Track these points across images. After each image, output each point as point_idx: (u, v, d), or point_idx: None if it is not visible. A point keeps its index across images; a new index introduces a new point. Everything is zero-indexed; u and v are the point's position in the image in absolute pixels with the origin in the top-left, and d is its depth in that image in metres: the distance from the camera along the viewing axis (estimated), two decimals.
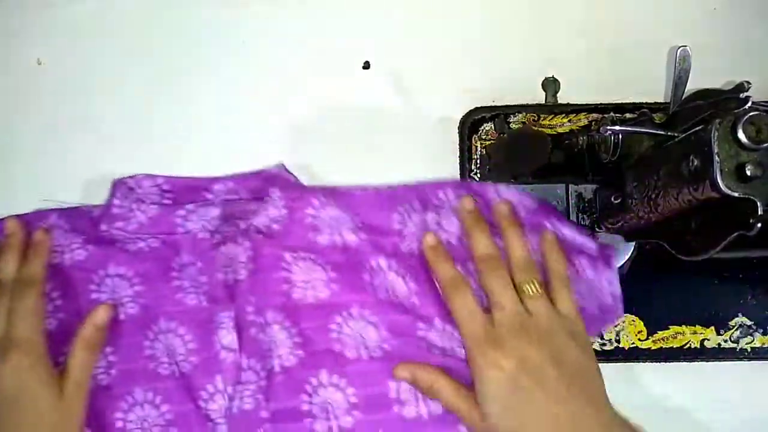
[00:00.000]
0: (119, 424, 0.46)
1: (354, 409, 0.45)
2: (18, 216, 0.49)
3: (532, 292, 0.43)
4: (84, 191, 0.51)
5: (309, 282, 0.47)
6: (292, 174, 0.50)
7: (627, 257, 0.49)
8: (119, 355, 0.47)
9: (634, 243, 0.48)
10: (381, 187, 0.49)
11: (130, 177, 0.49)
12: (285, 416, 0.46)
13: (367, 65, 0.53)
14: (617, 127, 0.42)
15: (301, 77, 0.53)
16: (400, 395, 0.45)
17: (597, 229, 0.49)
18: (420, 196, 0.48)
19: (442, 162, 0.52)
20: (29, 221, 0.49)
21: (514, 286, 0.44)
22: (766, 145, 0.32)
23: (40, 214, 0.50)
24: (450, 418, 0.45)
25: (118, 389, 0.47)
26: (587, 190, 0.49)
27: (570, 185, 0.50)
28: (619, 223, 0.46)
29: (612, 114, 0.50)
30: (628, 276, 0.49)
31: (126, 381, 0.47)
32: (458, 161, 0.51)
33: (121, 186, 0.49)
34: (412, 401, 0.45)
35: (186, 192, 0.50)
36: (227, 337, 0.46)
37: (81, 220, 0.50)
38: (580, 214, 0.49)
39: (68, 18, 0.54)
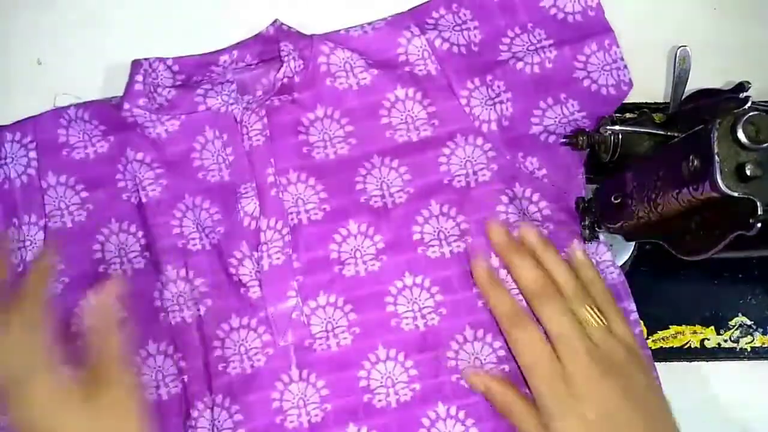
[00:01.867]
0: (156, 303, 0.48)
1: (382, 254, 0.47)
2: (36, 118, 0.50)
3: (594, 322, 0.41)
4: None
5: (328, 141, 0.49)
6: (291, 27, 0.51)
7: (627, 257, 0.49)
8: (149, 237, 0.48)
9: (634, 243, 0.48)
10: (376, 23, 0.51)
11: (145, 59, 0.50)
12: (316, 265, 0.47)
13: None
14: (617, 127, 0.42)
15: None
16: (423, 237, 0.47)
17: (597, 229, 0.49)
18: (415, 20, 0.50)
19: None
20: (47, 121, 0.50)
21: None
22: (766, 145, 0.32)
23: (57, 112, 0.50)
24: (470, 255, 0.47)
25: (151, 271, 0.48)
26: (587, 190, 0.49)
27: None
28: (619, 223, 0.46)
29: (612, 114, 0.50)
30: (628, 276, 0.49)
31: (158, 261, 0.48)
32: None
33: (138, 67, 0.50)
34: (436, 242, 0.47)
35: (195, 69, 0.51)
36: (250, 204, 0.47)
37: (100, 110, 0.51)
38: (580, 214, 0.49)
39: (68, 18, 0.54)
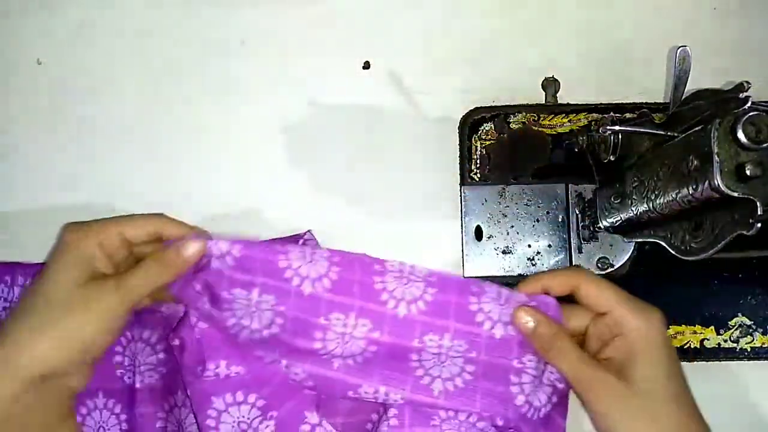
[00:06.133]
0: None
1: None
2: None
3: None
4: (84, 191, 0.52)
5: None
6: None
7: (627, 257, 0.49)
8: (131, 424, 0.46)
9: (634, 243, 0.48)
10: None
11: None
12: None
13: (367, 65, 0.53)
14: (617, 127, 0.42)
15: (301, 77, 0.53)
16: None
17: (597, 229, 0.49)
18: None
19: (442, 162, 0.52)
20: None
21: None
22: (766, 145, 0.32)
23: None
24: None
25: None
26: (587, 190, 0.49)
27: (570, 185, 0.50)
28: (619, 223, 0.46)
29: (612, 114, 0.50)
30: (628, 276, 0.49)
31: None
32: (458, 161, 0.51)
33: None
34: None
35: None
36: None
37: None
38: (580, 214, 0.49)
39: (68, 18, 0.54)
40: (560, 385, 0.42)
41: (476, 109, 0.51)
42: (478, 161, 0.51)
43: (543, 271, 0.45)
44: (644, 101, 0.51)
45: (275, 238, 0.49)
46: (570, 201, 0.49)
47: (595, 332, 0.41)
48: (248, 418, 0.41)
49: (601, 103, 0.51)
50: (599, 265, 0.49)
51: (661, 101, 0.51)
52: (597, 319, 0.41)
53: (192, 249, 0.40)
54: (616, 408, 0.38)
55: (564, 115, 0.51)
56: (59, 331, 0.38)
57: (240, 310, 0.40)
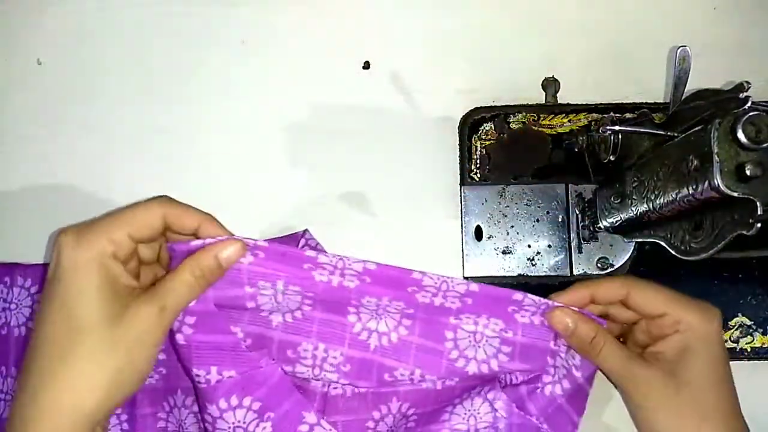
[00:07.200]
0: None
1: None
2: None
3: None
4: (84, 191, 0.52)
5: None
6: None
7: (627, 257, 0.49)
8: (131, 424, 0.46)
9: (633, 243, 0.48)
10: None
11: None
12: None
13: (367, 65, 0.53)
14: (617, 127, 0.42)
15: (301, 77, 0.53)
16: None
17: (597, 229, 0.49)
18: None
19: (442, 162, 0.52)
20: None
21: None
22: (766, 145, 0.32)
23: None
24: None
25: None
26: (587, 190, 0.49)
27: (570, 185, 0.50)
28: (619, 223, 0.46)
29: (612, 114, 0.50)
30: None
31: None
32: (458, 161, 0.51)
33: None
34: None
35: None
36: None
37: None
38: (580, 214, 0.49)
39: (68, 18, 0.54)
40: (577, 374, 0.43)
41: (476, 109, 0.51)
42: (478, 161, 0.51)
43: (587, 281, 0.42)
44: (644, 101, 0.51)
45: (273, 238, 0.49)
46: (570, 201, 0.49)
47: (644, 328, 0.42)
48: (244, 422, 0.41)
49: (601, 103, 0.51)
50: (599, 265, 0.49)
51: (661, 101, 0.51)
52: (649, 320, 0.41)
53: (228, 252, 0.37)
54: (664, 404, 0.38)
55: (564, 115, 0.51)
56: (114, 372, 0.34)
57: (264, 297, 0.40)
